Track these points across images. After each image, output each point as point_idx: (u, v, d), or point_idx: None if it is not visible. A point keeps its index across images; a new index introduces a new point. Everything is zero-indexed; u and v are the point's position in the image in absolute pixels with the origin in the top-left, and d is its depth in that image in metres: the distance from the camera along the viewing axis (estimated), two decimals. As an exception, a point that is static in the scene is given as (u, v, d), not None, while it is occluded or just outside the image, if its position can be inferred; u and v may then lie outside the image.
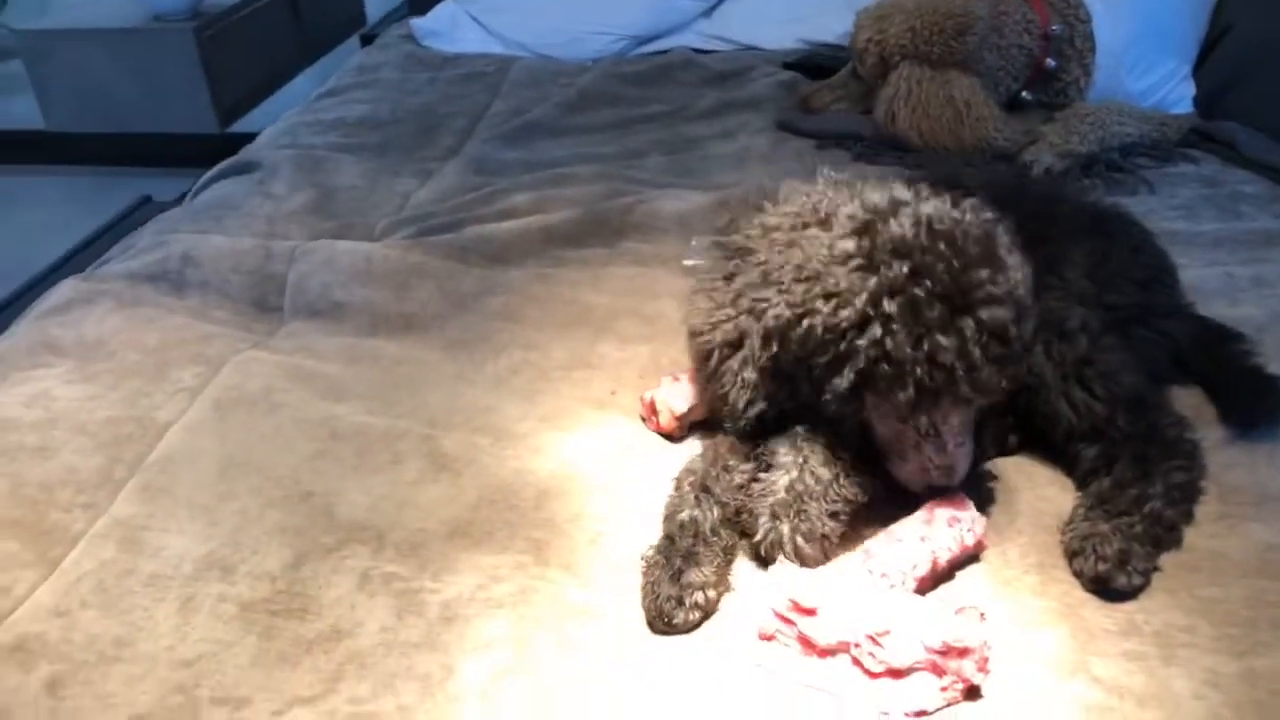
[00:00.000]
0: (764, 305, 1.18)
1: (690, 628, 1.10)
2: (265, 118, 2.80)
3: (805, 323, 1.12)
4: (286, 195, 2.09)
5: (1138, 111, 2.19)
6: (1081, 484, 1.27)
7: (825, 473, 1.16)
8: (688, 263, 1.81)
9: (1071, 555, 1.16)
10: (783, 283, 1.16)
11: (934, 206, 1.13)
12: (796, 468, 1.17)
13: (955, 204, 1.15)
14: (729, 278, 1.32)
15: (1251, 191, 1.96)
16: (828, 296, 1.10)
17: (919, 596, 1.09)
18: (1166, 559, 1.16)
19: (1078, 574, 1.15)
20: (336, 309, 1.67)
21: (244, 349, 1.58)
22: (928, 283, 1.06)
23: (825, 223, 1.19)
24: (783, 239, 1.23)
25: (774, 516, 1.15)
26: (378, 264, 1.73)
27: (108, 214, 3.28)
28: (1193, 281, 1.59)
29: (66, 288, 1.74)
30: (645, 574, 1.14)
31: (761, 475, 1.20)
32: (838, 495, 1.16)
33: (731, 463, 1.23)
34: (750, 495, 1.20)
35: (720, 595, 1.13)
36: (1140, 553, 1.13)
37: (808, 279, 1.13)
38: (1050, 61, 2.19)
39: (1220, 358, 1.44)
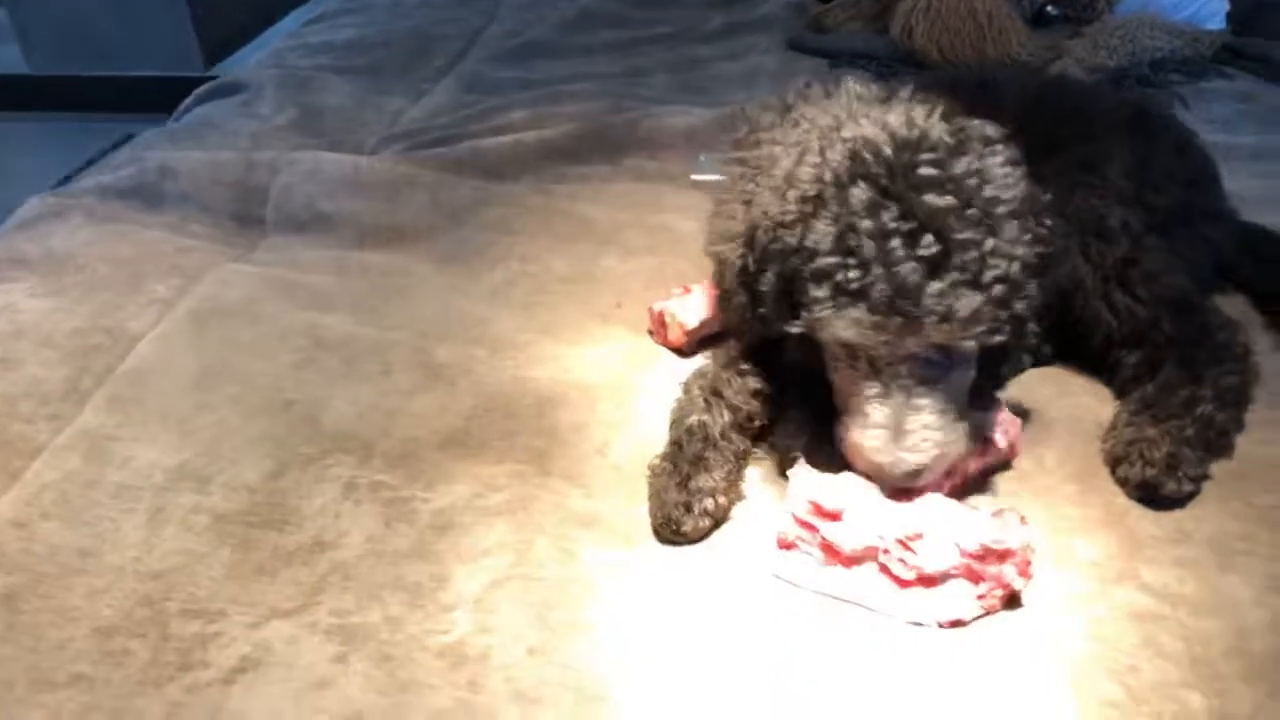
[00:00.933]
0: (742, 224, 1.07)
1: (700, 536, 1.01)
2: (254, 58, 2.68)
3: (759, 226, 1.00)
4: (271, 115, 1.98)
5: (1169, 25, 2.07)
6: (1122, 392, 1.18)
7: None
8: (696, 177, 1.72)
9: (1115, 462, 1.07)
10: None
11: (925, 116, 0.97)
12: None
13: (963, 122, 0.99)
14: (746, 199, 1.20)
15: (1290, 105, 1.86)
16: (777, 197, 0.99)
17: (952, 500, 0.99)
18: (1216, 467, 1.07)
19: (1122, 481, 1.06)
20: (322, 221, 1.57)
21: (224, 262, 1.48)
22: (859, 164, 0.93)
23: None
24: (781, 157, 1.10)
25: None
26: (366, 175, 1.63)
27: (93, 159, 3.18)
28: (1235, 191, 1.48)
29: (35, 203, 1.64)
30: (652, 480, 1.05)
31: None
32: None
33: (745, 366, 1.14)
34: (766, 401, 1.11)
35: (731, 502, 1.04)
36: (1191, 458, 1.04)
37: (775, 188, 1.02)
38: (1077, -29, 2.07)
39: (1266, 261, 1.35)
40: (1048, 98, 1.35)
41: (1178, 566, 0.95)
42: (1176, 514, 1.02)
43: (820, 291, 0.92)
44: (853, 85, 1.17)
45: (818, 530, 0.97)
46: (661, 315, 1.33)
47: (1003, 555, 0.91)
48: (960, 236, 0.89)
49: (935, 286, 0.89)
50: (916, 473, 0.94)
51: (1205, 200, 1.35)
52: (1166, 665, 0.86)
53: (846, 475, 1.03)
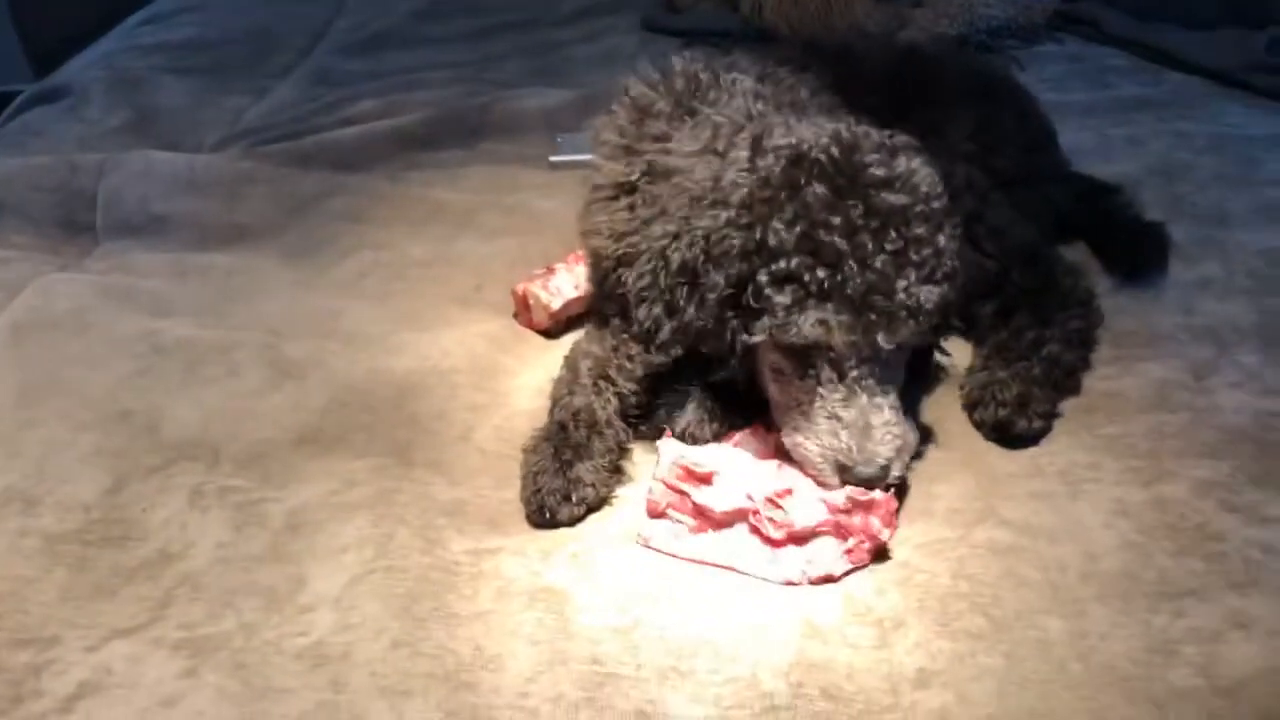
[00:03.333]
0: (658, 236, 1.02)
1: (573, 522, 0.99)
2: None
3: (684, 239, 0.97)
4: (100, 118, 1.86)
5: (1003, -7, 2.15)
6: (979, 342, 1.21)
7: None
8: (555, 159, 1.70)
9: (972, 406, 1.10)
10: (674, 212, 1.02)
11: (847, 125, 0.98)
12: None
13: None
14: (631, 189, 1.15)
15: (1117, 64, 1.96)
16: (711, 205, 0.97)
17: None
18: (1065, 405, 1.11)
19: (979, 424, 1.09)
20: (157, 223, 1.48)
21: (50, 271, 1.38)
22: (811, 164, 0.93)
23: (722, 153, 1.04)
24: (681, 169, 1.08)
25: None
26: (202, 173, 1.55)
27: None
28: (1069, 144, 1.55)
29: None
30: (527, 464, 1.02)
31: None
32: None
33: (633, 350, 1.11)
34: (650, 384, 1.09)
35: (610, 490, 1.02)
36: (1040, 395, 1.08)
37: (695, 199, 1.00)
38: (914, -55, 2.13)
39: (1102, 211, 1.41)
40: (902, 66, 1.38)
41: (1033, 500, 0.98)
42: (1030, 450, 1.06)
43: (783, 296, 0.90)
44: (744, 81, 1.16)
45: (688, 496, 0.96)
46: (525, 296, 1.30)
47: (868, 506, 0.92)
48: (918, 232, 0.91)
49: (903, 282, 0.90)
50: (885, 469, 0.93)
51: (1046, 161, 1.41)
52: (1027, 594, 0.88)
53: (714, 445, 1.03)
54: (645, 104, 1.19)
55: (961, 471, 1.03)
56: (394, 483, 1.02)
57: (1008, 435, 1.07)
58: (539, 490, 0.99)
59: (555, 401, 1.09)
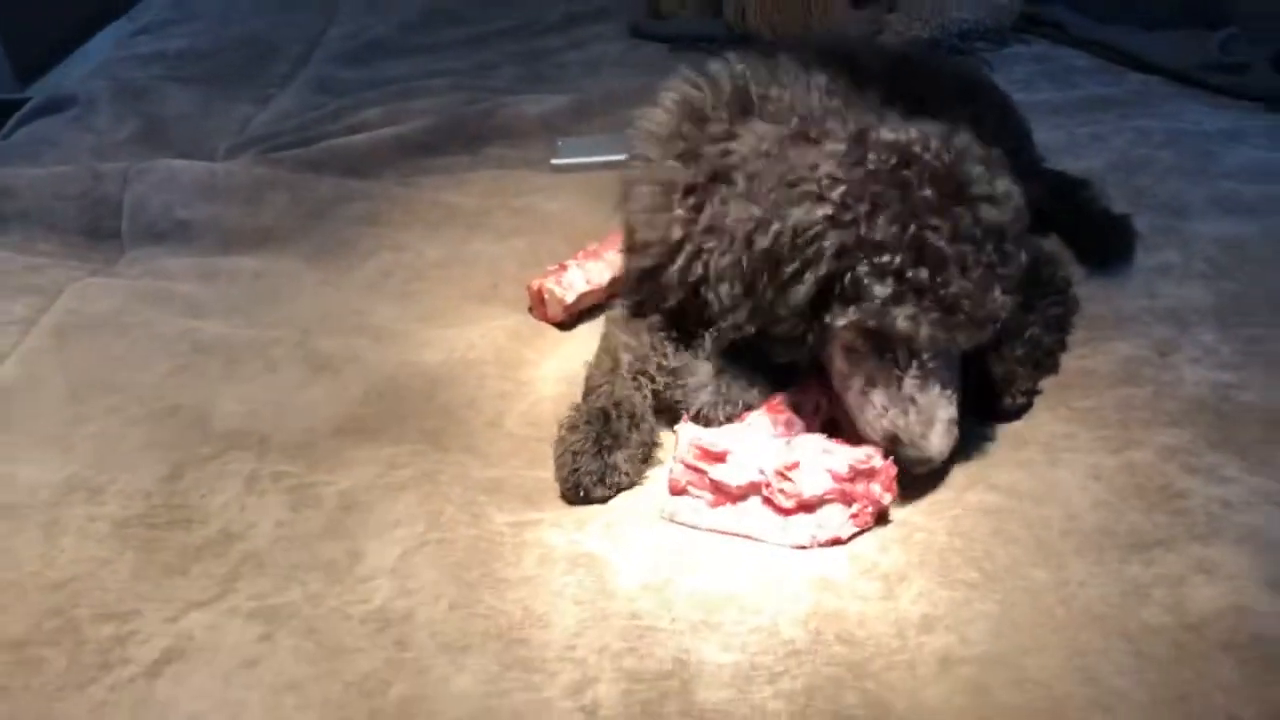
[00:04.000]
0: (744, 218, 1.06)
1: (605, 501, 1.08)
2: (68, 78, 2.57)
3: (773, 226, 1.01)
4: (109, 128, 1.93)
5: (972, -1, 2.26)
6: None
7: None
8: (556, 162, 1.79)
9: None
10: (764, 193, 1.06)
11: (944, 130, 1.04)
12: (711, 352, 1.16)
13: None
14: (689, 189, 1.19)
15: (1081, 65, 2.08)
16: (804, 197, 1.01)
17: (823, 437, 1.10)
18: (1044, 382, 1.21)
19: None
20: (182, 228, 1.55)
21: (83, 277, 1.45)
22: (920, 167, 0.98)
23: (816, 139, 1.08)
24: (770, 152, 1.12)
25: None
26: (222, 180, 1.62)
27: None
28: (1041, 141, 1.66)
29: None
30: (564, 442, 1.10)
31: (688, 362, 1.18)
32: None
33: (669, 347, 1.20)
34: (678, 377, 1.18)
35: (640, 478, 1.10)
36: (1023, 375, 1.18)
37: (788, 184, 1.03)
38: (888, -48, 2.24)
39: (1074, 204, 1.52)
40: (897, 70, 1.48)
41: (1018, 467, 1.08)
42: (1015, 424, 1.16)
43: (883, 288, 0.96)
44: (816, 76, 1.22)
45: (705, 473, 1.05)
46: (540, 292, 1.39)
47: (870, 474, 1.02)
48: (1009, 249, 0.99)
49: (992, 294, 0.98)
50: (932, 459, 1.02)
51: (1025, 158, 1.51)
52: (1015, 549, 0.98)
53: (728, 426, 1.12)
54: (698, 106, 1.23)
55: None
56: (434, 465, 1.11)
57: (994, 411, 1.17)
58: (577, 469, 1.07)
59: (593, 387, 1.17)
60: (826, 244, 0.98)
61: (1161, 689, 0.83)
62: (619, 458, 1.09)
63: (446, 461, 1.11)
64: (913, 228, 0.96)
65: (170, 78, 2.16)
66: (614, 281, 1.39)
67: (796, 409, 1.12)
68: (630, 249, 1.25)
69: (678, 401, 1.15)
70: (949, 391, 1.03)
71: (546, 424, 1.17)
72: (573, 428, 1.12)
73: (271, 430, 1.15)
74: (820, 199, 1.00)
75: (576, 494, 1.07)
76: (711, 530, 1.04)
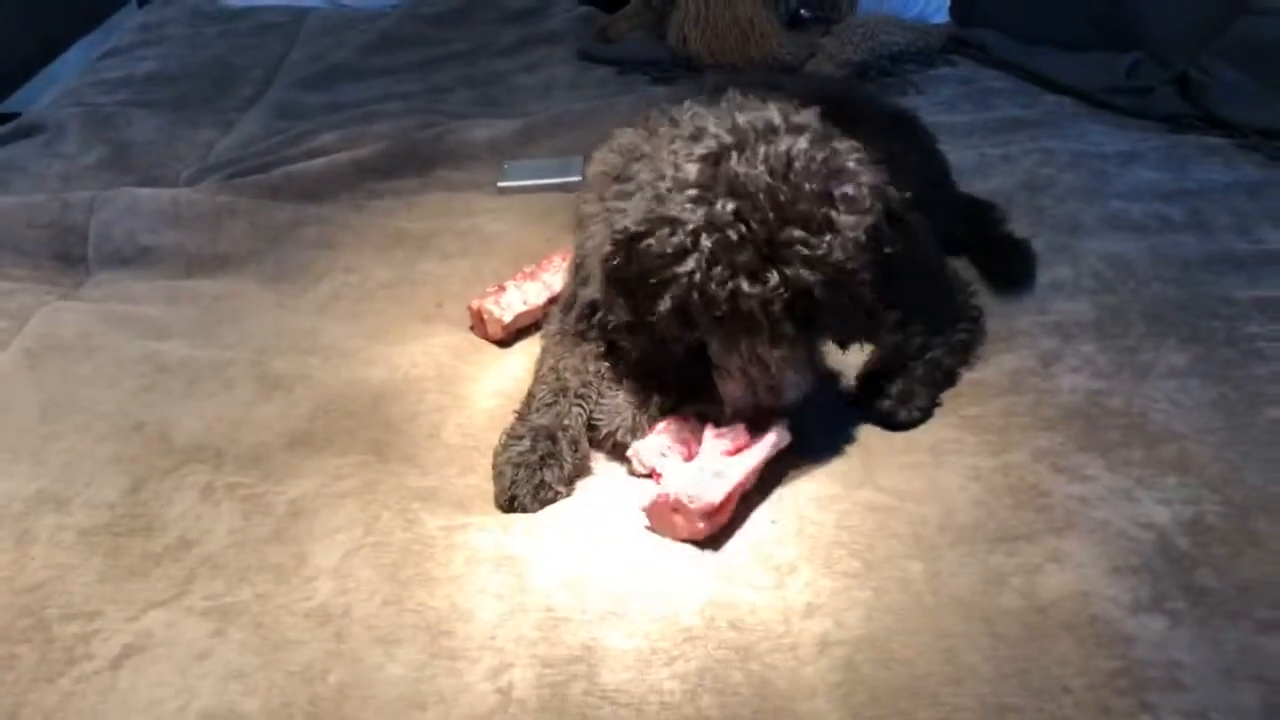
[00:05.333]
0: (619, 215, 1.18)
1: (534, 511, 1.18)
2: (38, 95, 2.65)
3: (644, 243, 1.12)
4: (77, 154, 2.02)
5: (903, 23, 2.40)
6: (879, 344, 1.42)
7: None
8: (502, 184, 1.89)
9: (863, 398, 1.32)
10: (639, 193, 1.17)
11: (790, 144, 1.12)
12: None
13: (823, 138, 1.15)
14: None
15: (1000, 86, 2.21)
16: (664, 221, 1.11)
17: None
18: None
19: (868, 413, 1.30)
20: (146, 254, 1.65)
21: (52, 300, 1.54)
22: (745, 227, 1.07)
23: (693, 137, 1.17)
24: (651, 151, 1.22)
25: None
26: (185, 207, 1.71)
27: None
28: (954, 162, 1.78)
29: None
30: (506, 451, 1.20)
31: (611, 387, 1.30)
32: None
33: (607, 373, 1.31)
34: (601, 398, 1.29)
35: (571, 491, 1.21)
36: (920, 393, 1.30)
37: (655, 198, 1.13)
38: (822, -21, 2.36)
39: (979, 228, 1.64)
40: (823, 104, 1.58)
41: (905, 469, 1.20)
42: (908, 431, 1.28)
43: (719, 269, 1.08)
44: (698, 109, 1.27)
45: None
46: (480, 312, 1.49)
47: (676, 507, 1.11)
48: (825, 298, 1.10)
49: (806, 332, 1.13)
50: (786, 404, 1.17)
51: (945, 194, 1.63)
52: (894, 543, 1.09)
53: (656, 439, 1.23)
54: (629, 145, 1.33)
55: (849, 448, 1.24)
56: (375, 475, 1.21)
57: (891, 423, 1.28)
58: (515, 481, 1.17)
59: (540, 404, 1.25)
60: (681, 278, 1.10)
61: (1008, 664, 0.95)
62: (554, 476, 1.19)
63: (387, 471, 1.22)
64: (730, 287, 1.08)
65: (136, 103, 2.25)
66: (550, 302, 1.49)
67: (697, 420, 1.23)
68: (582, 281, 1.34)
69: (595, 422, 1.26)
70: (799, 351, 1.15)
71: (481, 435, 1.28)
72: (517, 438, 1.22)
73: (227, 445, 1.25)
74: (675, 226, 1.10)
75: (510, 504, 1.18)
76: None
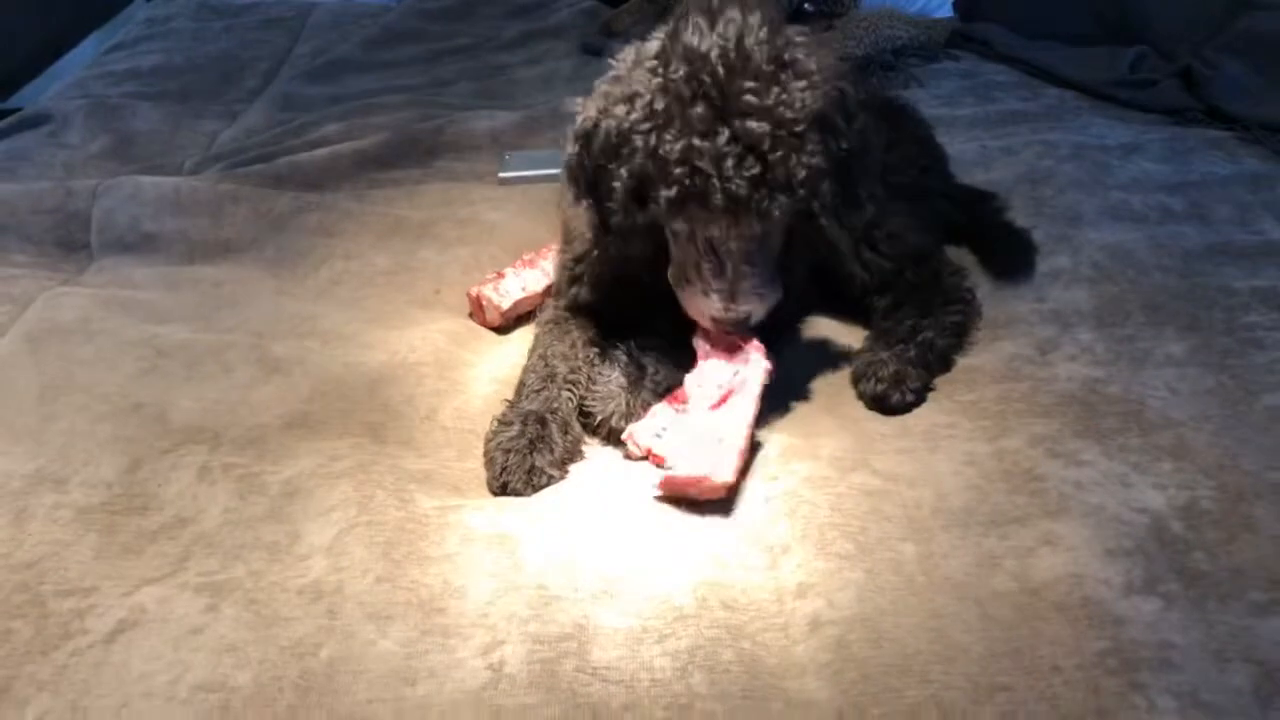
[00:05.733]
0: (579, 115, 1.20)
1: (527, 495, 1.19)
2: (45, 90, 2.66)
3: (602, 125, 1.15)
4: (82, 144, 2.03)
5: (906, 17, 2.40)
6: (872, 328, 1.43)
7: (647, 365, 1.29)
8: (503, 175, 1.90)
9: (856, 380, 1.32)
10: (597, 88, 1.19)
11: (744, 19, 1.11)
12: (624, 363, 1.30)
13: (779, 25, 1.13)
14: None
15: (1003, 80, 2.21)
16: (625, 99, 1.13)
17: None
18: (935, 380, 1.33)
19: (861, 396, 1.31)
20: (148, 240, 1.66)
21: (54, 286, 1.55)
22: (698, 83, 1.08)
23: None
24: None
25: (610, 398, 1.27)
26: (187, 194, 1.72)
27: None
28: (954, 154, 1.78)
29: None
30: (497, 437, 1.21)
31: (602, 372, 1.31)
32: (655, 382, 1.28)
33: (596, 357, 1.32)
34: (593, 384, 1.30)
35: (561, 477, 1.21)
36: (913, 374, 1.29)
37: (613, 79, 1.17)
38: (826, -27, 2.36)
39: (979, 216, 1.64)
40: None
41: (899, 454, 1.20)
42: (903, 417, 1.28)
43: (670, 192, 1.10)
44: None
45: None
46: (479, 298, 1.50)
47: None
48: (775, 156, 1.09)
49: (758, 196, 1.09)
50: (747, 318, 1.18)
51: (937, 180, 1.63)
52: (888, 525, 1.09)
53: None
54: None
55: (843, 432, 1.24)
56: (371, 457, 1.21)
57: (884, 406, 1.28)
58: (506, 467, 1.18)
59: (530, 390, 1.26)
60: (636, 144, 1.11)
61: (999, 644, 0.95)
62: (546, 460, 1.19)
63: (383, 453, 1.22)
64: (684, 142, 1.08)
65: (142, 95, 2.27)
66: (548, 289, 1.50)
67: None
68: (565, 240, 1.36)
69: (588, 409, 1.26)
70: (747, 266, 1.15)
71: (477, 419, 1.28)
72: (507, 424, 1.23)
73: (224, 426, 1.26)
74: (631, 103, 1.12)
75: (503, 490, 1.18)
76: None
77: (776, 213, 1.11)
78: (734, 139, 1.08)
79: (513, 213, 1.73)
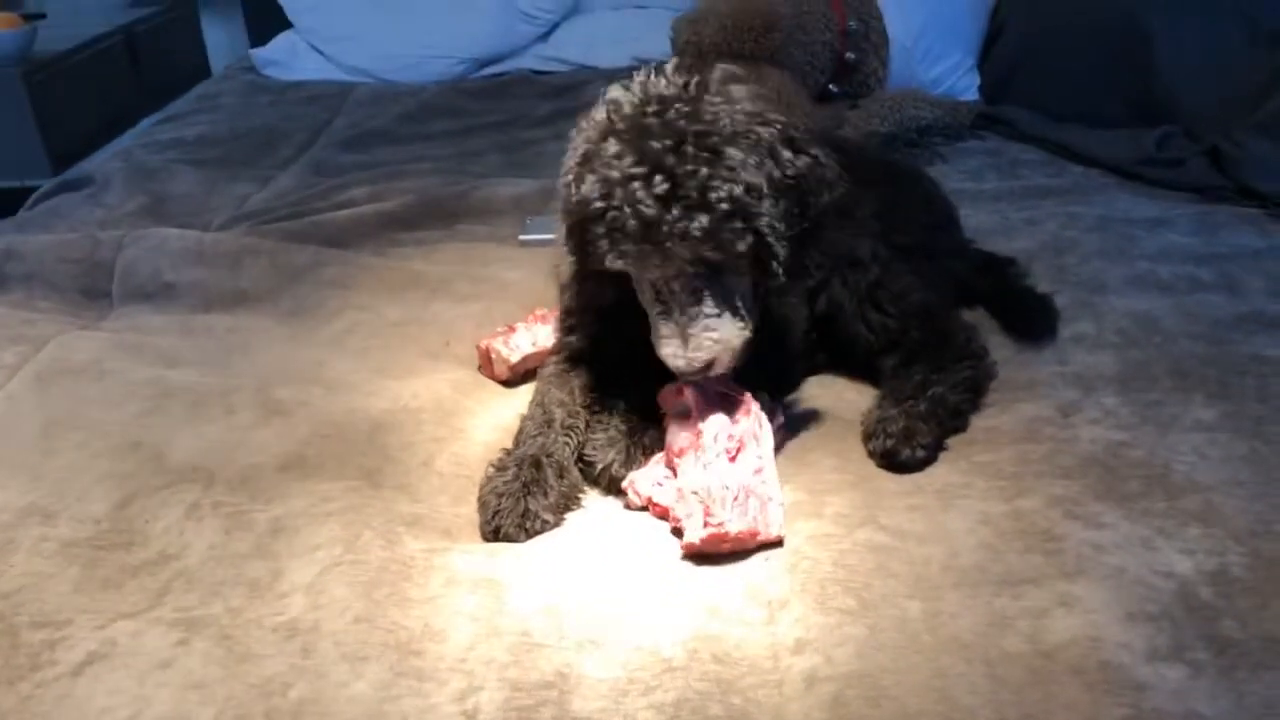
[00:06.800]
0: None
1: (523, 541, 1.15)
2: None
3: (566, 186, 1.15)
4: (119, 204, 2.08)
5: (931, 98, 2.41)
6: (882, 388, 1.39)
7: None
8: (524, 238, 1.91)
9: (866, 438, 1.28)
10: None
11: (665, 76, 1.13)
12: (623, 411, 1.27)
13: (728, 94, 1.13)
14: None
15: (1028, 159, 2.20)
16: (580, 160, 1.14)
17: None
18: (952, 440, 1.28)
19: (871, 453, 1.26)
20: (167, 290, 1.68)
21: (70, 329, 1.57)
22: (609, 123, 1.10)
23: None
24: None
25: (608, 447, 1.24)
26: (209, 246, 1.75)
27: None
28: (976, 224, 1.77)
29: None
30: (490, 482, 1.17)
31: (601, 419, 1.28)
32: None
33: (594, 405, 1.30)
34: (592, 433, 1.27)
35: (558, 523, 1.17)
36: (924, 430, 1.25)
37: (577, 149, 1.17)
38: (850, 55, 2.39)
39: (998, 280, 1.61)
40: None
41: (909, 511, 1.15)
42: (916, 475, 1.23)
43: (599, 231, 1.09)
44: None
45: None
46: (488, 351, 1.48)
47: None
48: (681, 170, 1.06)
49: (671, 215, 1.06)
50: (706, 366, 1.14)
51: (947, 239, 1.61)
52: (894, 582, 1.04)
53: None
54: None
55: (852, 489, 1.19)
56: (364, 500, 1.19)
57: (894, 462, 1.23)
58: (499, 511, 1.14)
59: (526, 437, 1.24)
60: (571, 194, 1.12)
61: (1010, 708, 0.88)
62: (541, 505, 1.16)
63: (376, 497, 1.19)
64: (599, 177, 1.08)
65: (182, 160, 2.33)
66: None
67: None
68: (560, 285, 1.35)
69: (588, 458, 1.23)
70: (697, 306, 1.12)
71: (475, 466, 1.25)
72: (501, 469, 1.20)
73: (220, 465, 1.24)
74: (571, 154, 1.14)
75: (495, 535, 1.14)
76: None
77: (696, 232, 1.06)
78: (639, 161, 1.07)
79: (529, 272, 1.73)
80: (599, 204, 1.08)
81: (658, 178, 1.06)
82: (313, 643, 0.97)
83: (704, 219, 1.06)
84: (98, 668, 0.96)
